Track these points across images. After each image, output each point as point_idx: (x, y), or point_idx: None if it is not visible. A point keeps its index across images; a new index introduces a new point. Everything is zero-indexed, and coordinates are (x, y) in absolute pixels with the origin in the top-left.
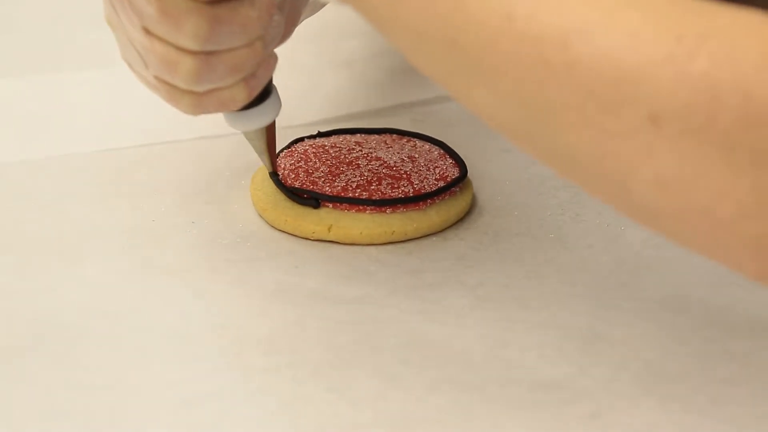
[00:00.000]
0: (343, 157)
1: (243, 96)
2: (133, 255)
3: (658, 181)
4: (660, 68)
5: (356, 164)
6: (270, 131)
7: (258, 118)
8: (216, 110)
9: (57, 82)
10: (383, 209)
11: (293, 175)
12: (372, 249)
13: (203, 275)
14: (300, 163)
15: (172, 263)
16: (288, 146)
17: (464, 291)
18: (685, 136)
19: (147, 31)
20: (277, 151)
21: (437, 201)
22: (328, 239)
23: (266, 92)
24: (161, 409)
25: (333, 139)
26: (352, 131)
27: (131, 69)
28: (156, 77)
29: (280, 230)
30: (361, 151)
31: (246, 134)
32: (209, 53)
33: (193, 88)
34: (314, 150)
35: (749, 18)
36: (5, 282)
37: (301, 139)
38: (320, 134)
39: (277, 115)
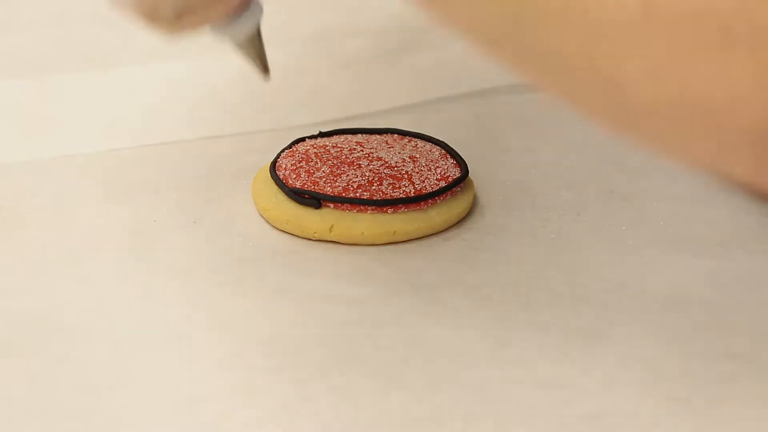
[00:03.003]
0: (344, 157)
1: (215, 14)
2: (133, 255)
3: (649, 74)
4: None
5: (357, 164)
6: (258, 37)
7: (243, 25)
8: (194, 28)
9: (57, 82)
10: (384, 209)
11: (294, 175)
12: (373, 249)
13: (204, 275)
14: (301, 163)
15: (172, 263)
16: (289, 146)
17: (465, 291)
18: (679, 21)
19: None
20: (278, 151)
21: (438, 201)
22: (329, 239)
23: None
24: (161, 409)
25: (334, 139)
26: (354, 131)
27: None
28: None
29: (281, 230)
30: (363, 151)
31: (238, 46)
32: None
33: (166, 7)
34: (315, 150)
35: None
36: (5, 282)
37: (303, 139)
38: (321, 134)
39: (260, 17)
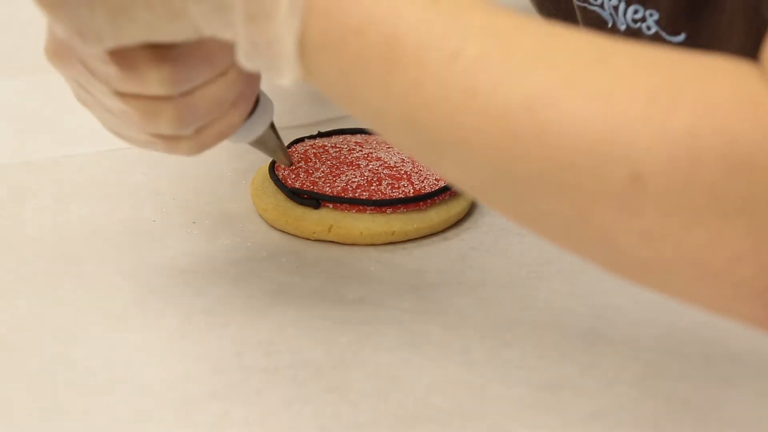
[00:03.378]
0: (343, 157)
1: (237, 120)
2: (133, 255)
3: (646, 236)
4: (637, 127)
5: (356, 164)
6: (273, 129)
7: (257, 126)
8: (218, 142)
9: (57, 82)
10: (383, 209)
11: (293, 176)
12: (372, 249)
13: (204, 275)
14: (300, 164)
15: (172, 263)
16: (288, 146)
17: (465, 291)
18: (670, 191)
19: (119, 93)
20: None
21: (437, 201)
22: (328, 239)
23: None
24: (161, 409)
25: (333, 139)
26: (353, 131)
27: (121, 138)
28: (148, 133)
29: (280, 230)
30: (362, 151)
31: (252, 144)
32: (185, 94)
33: (183, 131)
34: (314, 150)
35: (717, 65)
36: (5, 282)
37: (302, 140)
38: (320, 134)
39: (272, 113)
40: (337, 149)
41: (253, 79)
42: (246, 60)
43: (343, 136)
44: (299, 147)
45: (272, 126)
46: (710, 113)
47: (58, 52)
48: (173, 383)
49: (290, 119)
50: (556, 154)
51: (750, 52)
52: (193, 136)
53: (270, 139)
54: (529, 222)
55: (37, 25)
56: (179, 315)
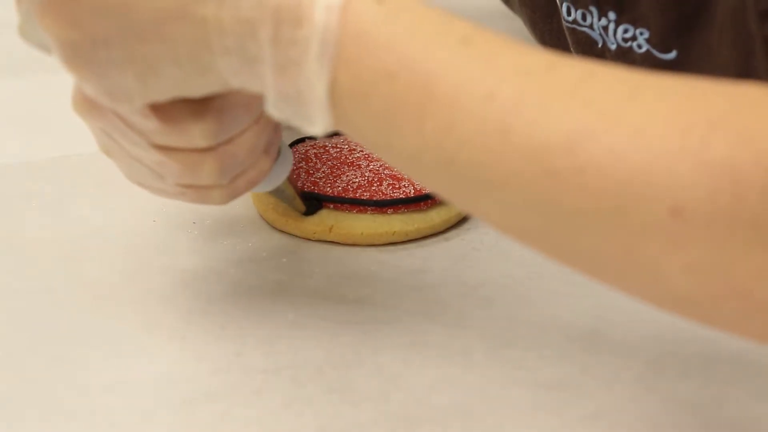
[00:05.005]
0: (344, 157)
1: (267, 167)
2: (133, 255)
3: (690, 270)
4: (674, 161)
5: (357, 165)
6: (291, 177)
7: (280, 174)
8: (248, 190)
9: (57, 82)
10: (384, 210)
11: (294, 176)
12: (373, 249)
13: (204, 275)
14: (301, 164)
15: (172, 263)
16: (289, 146)
17: (465, 291)
18: (712, 223)
19: (158, 146)
20: None
21: (438, 201)
22: (329, 240)
23: None
24: (161, 409)
25: (334, 139)
26: None
27: (144, 188)
28: (178, 184)
29: (281, 231)
30: (362, 151)
31: (273, 192)
32: (226, 143)
33: (221, 181)
34: (315, 150)
35: (749, 93)
36: (5, 282)
37: (302, 140)
38: None
39: (292, 161)
40: (338, 149)
41: (278, 125)
42: (276, 110)
43: (344, 136)
44: (300, 147)
45: (291, 174)
46: (747, 143)
47: (89, 104)
48: (173, 383)
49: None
50: (596, 191)
51: (738, 65)
52: (226, 185)
53: (288, 187)
54: (572, 260)
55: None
56: (179, 315)
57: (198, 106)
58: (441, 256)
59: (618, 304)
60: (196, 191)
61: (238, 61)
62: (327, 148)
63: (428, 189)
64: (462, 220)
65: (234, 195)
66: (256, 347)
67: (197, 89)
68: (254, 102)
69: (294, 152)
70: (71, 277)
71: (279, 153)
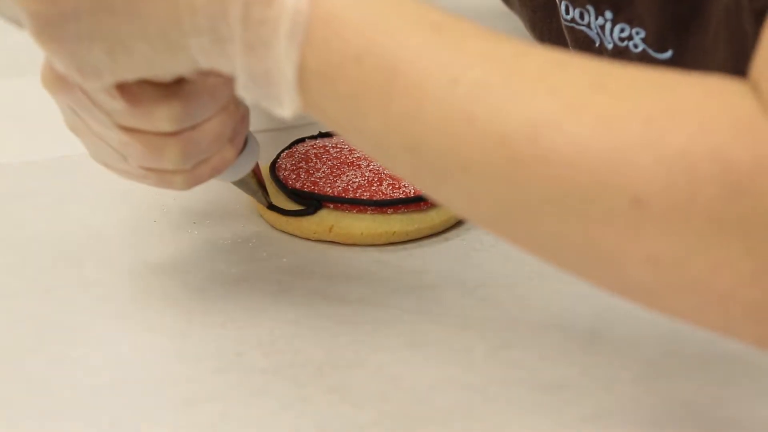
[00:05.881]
0: (344, 157)
1: (232, 156)
2: (133, 255)
3: (650, 260)
4: (635, 151)
5: (357, 165)
6: (256, 169)
7: (245, 164)
8: (210, 177)
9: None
10: (384, 210)
11: (294, 176)
12: (373, 249)
13: (204, 275)
14: (301, 164)
15: (172, 263)
16: (289, 147)
17: (465, 291)
18: (671, 214)
19: (123, 127)
20: (278, 151)
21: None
22: (329, 240)
23: None
24: (161, 409)
25: (334, 139)
26: None
27: (108, 168)
28: (141, 167)
29: (281, 231)
30: (363, 151)
31: (235, 182)
32: (190, 129)
33: (183, 166)
34: (315, 150)
35: (713, 86)
36: (5, 282)
37: (302, 140)
38: (321, 134)
39: (259, 154)
40: (338, 149)
41: (245, 115)
42: (245, 92)
43: None
44: (300, 147)
45: (257, 166)
46: (706, 136)
47: (56, 80)
48: (173, 383)
49: (290, 119)
50: (559, 180)
51: (733, 64)
52: (189, 170)
53: (253, 179)
54: (535, 248)
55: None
56: (179, 315)
57: (164, 90)
58: (441, 256)
59: (618, 304)
60: (158, 175)
61: (208, 40)
62: (327, 148)
63: (394, 172)
64: (462, 221)
65: (197, 181)
66: (256, 347)
67: (167, 69)
68: (221, 90)
69: (294, 152)
70: (71, 277)
71: (246, 145)
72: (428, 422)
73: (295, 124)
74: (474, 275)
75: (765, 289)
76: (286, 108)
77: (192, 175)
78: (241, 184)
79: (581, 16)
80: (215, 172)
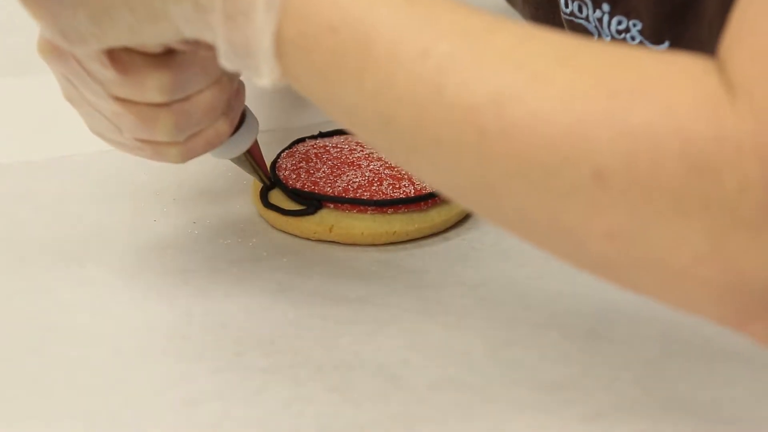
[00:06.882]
0: (344, 157)
1: (226, 130)
2: (133, 255)
3: (610, 234)
4: (598, 125)
5: (357, 165)
6: (255, 148)
7: (243, 141)
8: (204, 151)
9: (57, 82)
10: (384, 210)
11: (294, 176)
12: (373, 249)
13: (204, 275)
14: (301, 164)
15: (172, 263)
16: (289, 147)
17: (465, 291)
18: (631, 189)
19: (116, 97)
20: (278, 151)
21: (438, 201)
22: (329, 239)
23: (242, 114)
24: (161, 409)
25: (334, 139)
26: None
27: (104, 139)
28: (136, 138)
29: (281, 230)
30: (363, 151)
31: (234, 160)
32: (182, 101)
33: (176, 138)
34: (315, 150)
35: (680, 62)
36: (5, 282)
37: (303, 140)
38: (321, 134)
39: (257, 131)
40: (338, 149)
41: (240, 90)
42: (226, 61)
43: (344, 136)
44: (300, 147)
45: (256, 144)
46: (669, 112)
47: (52, 47)
48: (173, 383)
49: (291, 119)
50: (522, 153)
51: None
52: (182, 143)
53: (250, 158)
54: (501, 220)
55: (38, 25)
56: (179, 315)
57: (155, 61)
58: (441, 256)
59: (618, 304)
60: (152, 147)
61: (190, 8)
62: (327, 148)
63: (368, 143)
64: (462, 220)
65: (191, 154)
66: (256, 347)
67: (151, 37)
68: (212, 63)
69: (294, 152)
70: (71, 277)
71: (244, 121)
72: (428, 422)
73: (295, 124)
74: (474, 275)
75: (723, 267)
76: (265, 77)
77: (186, 147)
78: (239, 162)
79: (580, 9)
80: (210, 146)
